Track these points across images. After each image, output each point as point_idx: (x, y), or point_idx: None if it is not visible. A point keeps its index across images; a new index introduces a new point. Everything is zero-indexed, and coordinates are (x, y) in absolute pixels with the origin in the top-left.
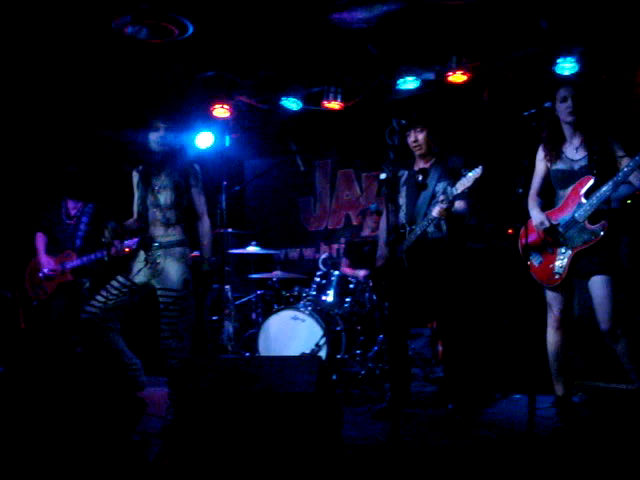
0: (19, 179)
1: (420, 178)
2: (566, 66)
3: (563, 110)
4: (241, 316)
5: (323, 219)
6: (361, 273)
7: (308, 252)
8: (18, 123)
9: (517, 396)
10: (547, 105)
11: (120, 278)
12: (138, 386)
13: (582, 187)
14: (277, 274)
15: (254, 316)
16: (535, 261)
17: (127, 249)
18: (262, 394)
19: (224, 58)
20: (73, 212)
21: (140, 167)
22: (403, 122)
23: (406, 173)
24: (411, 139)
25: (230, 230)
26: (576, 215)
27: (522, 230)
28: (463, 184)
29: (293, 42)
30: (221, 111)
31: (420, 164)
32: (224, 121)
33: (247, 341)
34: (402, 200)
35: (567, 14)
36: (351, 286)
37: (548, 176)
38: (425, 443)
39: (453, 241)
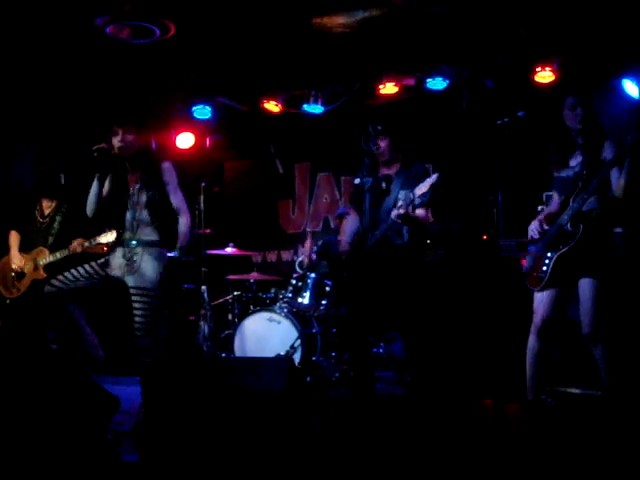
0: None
1: (384, 185)
2: (544, 75)
3: (572, 118)
4: (218, 317)
5: (302, 222)
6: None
7: (286, 255)
8: None
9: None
10: (520, 114)
11: (95, 266)
12: (96, 361)
13: (572, 192)
14: (254, 276)
15: (230, 317)
16: (528, 264)
17: (105, 248)
18: (233, 393)
19: (206, 59)
20: (47, 211)
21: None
22: (379, 128)
23: (370, 180)
24: (374, 147)
25: (208, 231)
26: (560, 219)
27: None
28: (420, 189)
29: (275, 45)
30: (202, 112)
31: (384, 171)
32: (205, 122)
33: (223, 342)
34: (366, 206)
35: (546, 23)
36: (327, 289)
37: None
38: (389, 442)
39: (413, 248)
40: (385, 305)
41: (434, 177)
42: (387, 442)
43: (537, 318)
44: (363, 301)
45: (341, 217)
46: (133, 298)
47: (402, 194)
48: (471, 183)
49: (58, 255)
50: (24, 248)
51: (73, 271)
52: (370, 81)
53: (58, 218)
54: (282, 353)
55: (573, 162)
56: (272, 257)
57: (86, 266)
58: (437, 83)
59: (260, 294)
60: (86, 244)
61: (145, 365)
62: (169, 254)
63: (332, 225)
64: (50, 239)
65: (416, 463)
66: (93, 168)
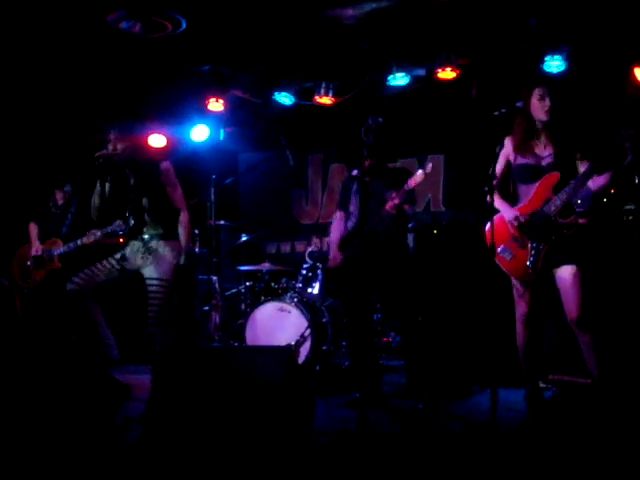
0: (11, 172)
1: (367, 179)
2: (554, 64)
3: (539, 108)
4: (231, 307)
5: (315, 213)
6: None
7: (300, 246)
8: (11, 116)
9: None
10: (519, 105)
11: (112, 260)
12: (110, 361)
13: (550, 183)
14: (266, 266)
15: (243, 307)
16: (507, 257)
17: (121, 239)
18: (235, 380)
19: (219, 52)
20: (60, 202)
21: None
22: (380, 120)
23: (358, 173)
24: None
25: (222, 222)
26: (546, 210)
27: (488, 226)
28: (415, 180)
29: (286, 38)
30: (216, 105)
31: (372, 165)
32: (219, 115)
33: (235, 331)
34: (353, 204)
35: (556, 12)
36: None
37: (508, 169)
38: (392, 432)
39: (401, 240)
40: (383, 295)
41: (429, 167)
42: (388, 431)
43: (521, 308)
44: (361, 293)
45: None
46: (149, 288)
47: (391, 189)
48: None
49: (72, 245)
50: (40, 238)
51: (92, 267)
52: (380, 72)
53: (71, 209)
54: (292, 342)
55: (539, 151)
56: (286, 248)
57: (104, 262)
58: (447, 73)
59: (272, 284)
60: (99, 234)
61: (155, 353)
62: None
63: None
64: (64, 229)
65: (416, 454)
66: (96, 174)
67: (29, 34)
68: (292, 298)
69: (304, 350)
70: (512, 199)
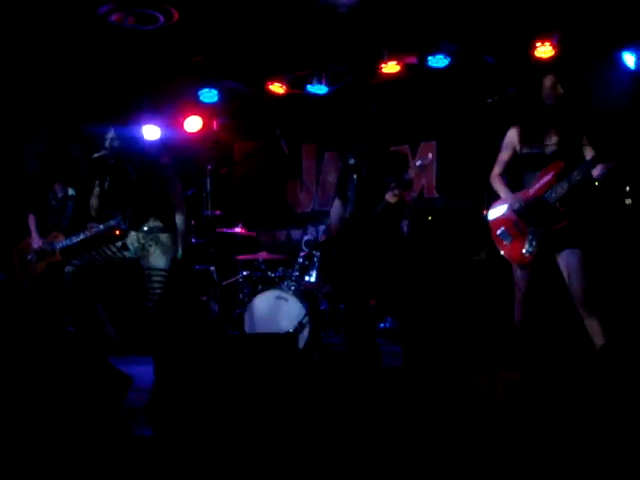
0: (10, 165)
1: (366, 171)
2: (545, 50)
3: (550, 95)
4: (228, 297)
5: (310, 201)
6: None
7: (295, 234)
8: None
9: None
10: (511, 91)
11: (113, 248)
12: (110, 342)
13: (554, 171)
14: (263, 255)
15: (241, 296)
16: (505, 240)
17: (117, 231)
18: (238, 367)
19: (211, 43)
20: (60, 195)
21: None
22: (373, 109)
23: (354, 163)
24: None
25: (217, 212)
26: (547, 197)
27: (489, 210)
28: (415, 169)
29: (278, 27)
30: (208, 96)
31: (367, 155)
32: (212, 105)
33: (234, 321)
34: (350, 191)
35: None
36: None
37: (513, 158)
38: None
39: (396, 227)
40: (379, 281)
41: (428, 157)
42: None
43: (520, 292)
44: (358, 279)
45: None
46: (148, 279)
47: (388, 180)
48: (474, 158)
49: (74, 239)
50: (40, 230)
51: (93, 252)
52: (373, 60)
53: (70, 202)
54: (291, 330)
55: (548, 141)
56: (281, 236)
57: (104, 248)
58: (439, 61)
59: (269, 273)
60: (101, 227)
61: (156, 343)
62: None
63: None
64: (64, 222)
65: (414, 431)
66: (94, 174)
67: (20, 28)
68: (289, 286)
69: (303, 337)
70: (518, 187)
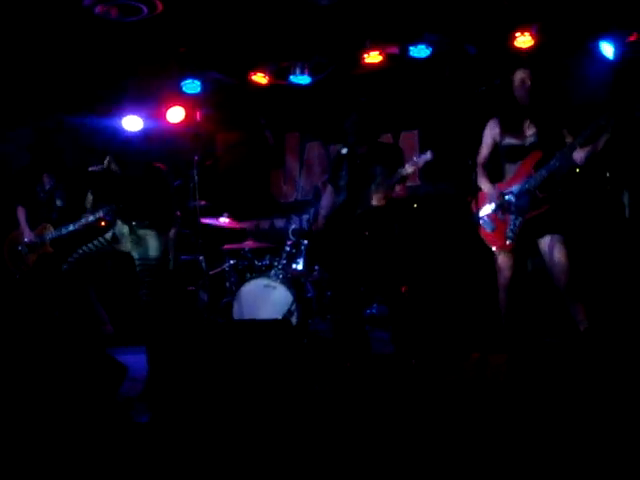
0: None
1: (359, 160)
2: (524, 40)
3: (520, 90)
4: (216, 286)
5: (293, 191)
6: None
7: (279, 222)
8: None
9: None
10: (497, 82)
11: (102, 240)
12: (105, 336)
13: (532, 161)
14: (249, 244)
15: (228, 285)
16: (488, 228)
17: (103, 222)
18: (231, 354)
19: (194, 34)
20: (47, 186)
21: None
22: (362, 99)
23: (347, 152)
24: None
25: (203, 203)
26: (527, 185)
27: (473, 200)
28: (413, 165)
29: (261, 18)
30: (191, 86)
31: (359, 145)
32: (195, 96)
33: (222, 309)
34: (343, 179)
35: None
36: None
37: (494, 149)
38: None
39: (389, 215)
40: (368, 268)
41: (428, 155)
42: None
43: (503, 277)
44: (347, 266)
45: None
46: (139, 269)
47: (379, 169)
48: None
49: (63, 230)
50: (29, 223)
51: (84, 247)
52: (355, 50)
53: (59, 194)
54: (279, 317)
55: (527, 132)
56: (265, 225)
57: (95, 241)
58: (420, 51)
59: (256, 262)
60: (90, 218)
61: (148, 332)
62: None
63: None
64: (54, 215)
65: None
66: (87, 185)
67: (4, 19)
68: (277, 274)
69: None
70: (499, 178)
